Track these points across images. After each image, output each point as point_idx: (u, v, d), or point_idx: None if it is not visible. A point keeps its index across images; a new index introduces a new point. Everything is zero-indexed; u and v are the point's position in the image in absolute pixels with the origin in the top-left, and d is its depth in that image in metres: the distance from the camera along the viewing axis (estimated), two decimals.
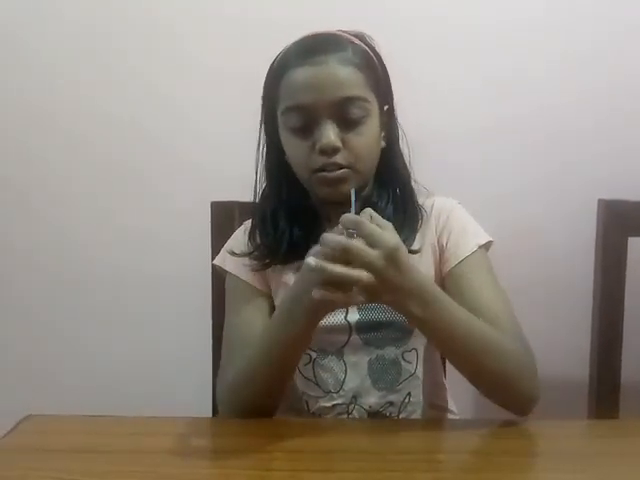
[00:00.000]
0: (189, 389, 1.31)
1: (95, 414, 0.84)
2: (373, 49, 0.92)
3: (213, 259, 1.02)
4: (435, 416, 0.97)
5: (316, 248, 0.73)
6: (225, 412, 0.89)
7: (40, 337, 1.51)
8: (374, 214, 0.75)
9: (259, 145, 0.97)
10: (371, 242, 0.71)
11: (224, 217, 1.12)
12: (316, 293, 0.70)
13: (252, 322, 0.92)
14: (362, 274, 0.70)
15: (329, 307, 0.79)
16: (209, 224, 1.13)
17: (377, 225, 0.73)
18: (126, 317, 1.49)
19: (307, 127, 0.87)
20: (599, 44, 1.39)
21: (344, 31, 0.91)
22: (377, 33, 0.94)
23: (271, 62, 0.92)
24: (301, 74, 0.86)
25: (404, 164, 0.96)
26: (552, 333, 1.41)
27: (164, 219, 1.46)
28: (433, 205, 0.97)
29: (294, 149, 0.90)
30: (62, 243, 1.49)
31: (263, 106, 0.95)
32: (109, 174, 1.46)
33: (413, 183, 0.96)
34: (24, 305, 1.51)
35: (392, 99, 0.95)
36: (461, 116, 1.40)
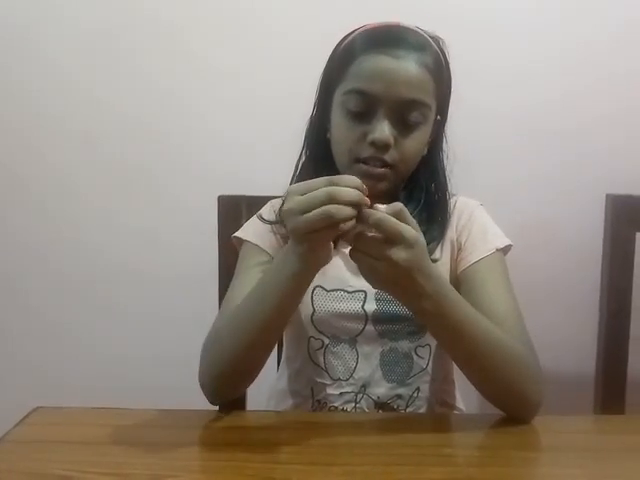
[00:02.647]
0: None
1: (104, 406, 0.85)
2: (445, 56, 0.91)
3: (220, 253, 1.02)
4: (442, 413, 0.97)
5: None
6: (201, 373, 0.85)
7: (52, 334, 1.52)
8: (404, 210, 0.70)
9: (310, 120, 0.96)
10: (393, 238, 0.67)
11: (231, 211, 1.12)
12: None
13: (251, 284, 0.85)
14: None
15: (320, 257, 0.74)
16: (216, 219, 1.13)
17: (405, 221, 0.69)
18: (135, 313, 1.50)
19: (364, 114, 0.85)
20: (616, 33, 1.38)
21: (423, 30, 0.89)
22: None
23: (339, 40, 0.91)
24: (376, 62, 0.84)
25: (444, 175, 0.95)
26: (559, 328, 1.41)
27: (170, 216, 1.46)
28: (455, 203, 0.97)
29: (344, 131, 0.88)
30: (73, 241, 1.50)
31: (322, 82, 0.93)
32: (115, 172, 1.47)
33: (448, 193, 0.95)
34: (35, 304, 1.52)
35: (447, 111, 0.94)
36: (469, 107, 1.37)
